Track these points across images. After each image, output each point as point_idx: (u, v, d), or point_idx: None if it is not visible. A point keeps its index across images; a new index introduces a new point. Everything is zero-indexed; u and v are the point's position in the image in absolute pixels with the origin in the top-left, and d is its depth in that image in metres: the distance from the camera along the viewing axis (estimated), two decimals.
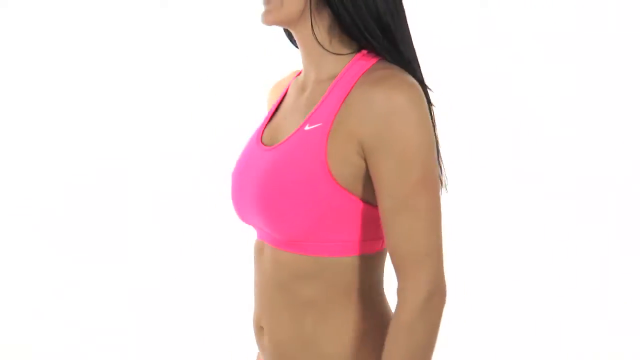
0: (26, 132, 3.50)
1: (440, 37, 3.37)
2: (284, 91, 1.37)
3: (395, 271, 1.16)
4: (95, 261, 3.45)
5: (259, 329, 1.32)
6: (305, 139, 1.17)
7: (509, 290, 3.36)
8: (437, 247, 1.14)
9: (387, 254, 1.24)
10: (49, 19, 3.45)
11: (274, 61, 3.28)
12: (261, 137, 1.31)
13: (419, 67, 1.24)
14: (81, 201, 3.50)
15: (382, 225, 1.17)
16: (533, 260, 3.41)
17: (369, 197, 1.18)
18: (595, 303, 3.32)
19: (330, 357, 1.23)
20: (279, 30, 1.33)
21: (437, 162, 1.24)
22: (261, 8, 1.23)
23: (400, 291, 1.15)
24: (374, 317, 1.24)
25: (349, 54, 1.21)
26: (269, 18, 1.20)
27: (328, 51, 1.22)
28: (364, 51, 1.21)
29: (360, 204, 1.18)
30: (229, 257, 3.30)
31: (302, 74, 1.30)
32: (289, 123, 1.26)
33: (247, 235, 1.45)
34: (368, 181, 1.17)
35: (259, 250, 1.31)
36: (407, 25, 1.23)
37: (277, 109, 1.35)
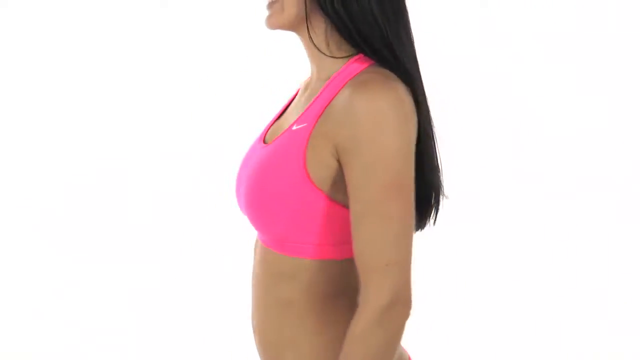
0: (26, 132, 3.50)
1: (440, 37, 3.37)
2: (297, 90, 1.39)
3: (359, 277, 1.14)
4: (96, 261, 3.45)
5: (253, 328, 1.35)
6: (290, 139, 1.19)
7: (509, 290, 3.36)
8: (403, 256, 1.12)
9: None
10: (49, 19, 3.45)
11: (274, 61, 3.29)
12: (265, 135, 1.33)
13: (418, 71, 1.23)
14: (81, 201, 3.50)
15: None
16: (533, 261, 3.41)
17: (345, 200, 1.18)
18: (595, 303, 3.32)
19: (309, 359, 1.24)
20: (278, 31, 1.34)
21: (436, 167, 1.24)
22: (261, 8, 1.26)
23: (360, 297, 1.13)
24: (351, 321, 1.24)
25: (346, 57, 1.22)
26: (272, 22, 1.23)
27: (324, 54, 1.23)
28: (361, 54, 1.21)
29: (337, 207, 1.18)
30: (230, 255, 3.30)
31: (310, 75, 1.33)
32: (287, 122, 1.28)
33: (248, 234, 1.45)
34: (343, 184, 1.16)
35: (255, 248, 1.34)
36: (407, 29, 1.22)
37: (287, 108, 1.38)
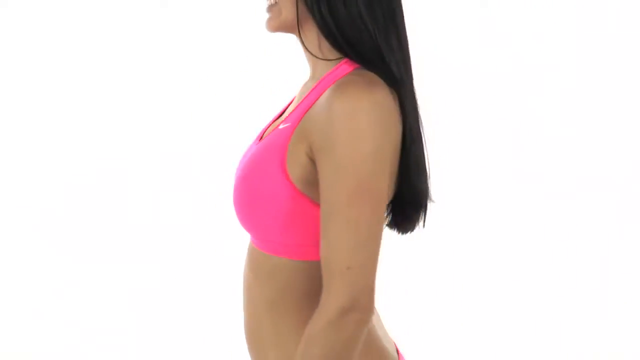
0: (26, 132, 3.50)
1: (440, 37, 3.37)
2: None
3: (323, 277, 1.14)
4: (95, 261, 3.45)
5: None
6: (275, 138, 1.20)
7: (509, 291, 3.36)
8: (366, 261, 1.10)
9: None
10: (49, 19, 3.45)
11: (274, 61, 3.29)
12: (262, 135, 1.35)
13: (409, 75, 1.23)
14: (81, 201, 3.50)
15: None
16: (533, 261, 3.41)
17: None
18: (595, 303, 3.32)
19: (288, 359, 1.25)
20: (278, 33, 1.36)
21: (423, 172, 1.23)
22: (262, 9, 1.29)
23: (321, 298, 1.13)
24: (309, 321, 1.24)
25: (337, 59, 1.23)
26: (271, 25, 1.26)
27: (316, 56, 1.25)
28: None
29: (314, 208, 1.18)
30: (229, 255, 3.29)
31: None
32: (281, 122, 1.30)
33: (246, 234, 1.45)
34: (318, 185, 1.16)
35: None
36: (398, 34, 1.22)
37: (287, 108, 1.40)
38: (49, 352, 3.18)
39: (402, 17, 1.24)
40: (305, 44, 1.25)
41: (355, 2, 1.17)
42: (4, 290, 3.40)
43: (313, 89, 1.22)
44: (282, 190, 1.17)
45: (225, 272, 3.29)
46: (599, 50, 3.41)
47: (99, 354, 3.17)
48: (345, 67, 1.20)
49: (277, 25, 1.25)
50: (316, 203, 1.18)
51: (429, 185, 1.28)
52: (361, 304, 1.10)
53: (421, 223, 1.31)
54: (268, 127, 1.36)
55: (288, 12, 1.23)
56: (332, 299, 1.10)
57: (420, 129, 1.25)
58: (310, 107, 1.17)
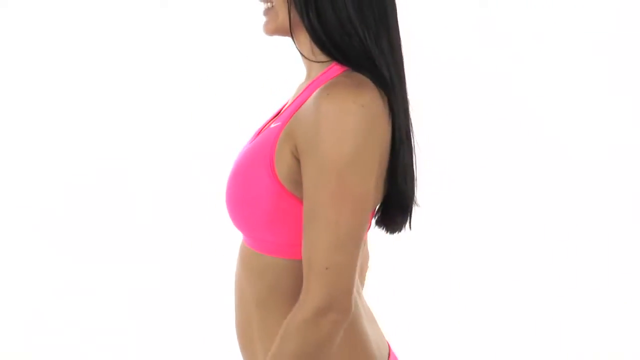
0: (26, 132, 3.50)
1: (440, 37, 3.37)
2: None
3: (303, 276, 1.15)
4: (95, 261, 3.45)
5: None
6: (266, 137, 1.21)
7: (509, 291, 3.36)
8: (343, 263, 1.11)
9: None
10: (49, 19, 3.45)
11: (274, 61, 3.29)
12: (258, 133, 1.36)
13: (400, 78, 1.23)
14: (81, 201, 3.50)
15: None
16: (533, 260, 3.41)
17: None
18: (595, 303, 3.32)
19: None
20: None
21: (410, 175, 1.23)
22: (261, 9, 1.29)
23: (300, 296, 1.14)
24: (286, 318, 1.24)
25: (328, 61, 1.24)
26: (268, 28, 1.27)
27: (309, 59, 1.26)
28: None
29: (301, 207, 1.18)
30: (228, 255, 3.29)
31: None
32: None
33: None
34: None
35: None
36: (390, 36, 1.22)
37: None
38: (49, 352, 3.18)
39: (395, 19, 1.24)
40: (299, 47, 1.27)
41: (345, 6, 1.17)
42: (4, 290, 3.40)
43: (305, 89, 1.23)
44: (270, 189, 1.18)
45: (219, 270, 3.29)
46: (599, 51, 3.41)
47: (99, 354, 3.17)
48: (337, 68, 1.21)
49: (274, 28, 1.26)
50: (302, 201, 1.18)
51: (416, 188, 1.28)
52: (338, 304, 1.11)
53: (407, 225, 1.32)
54: (264, 127, 1.37)
55: (285, 16, 1.24)
56: (309, 298, 1.11)
57: (410, 132, 1.25)
58: (299, 107, 1.18)
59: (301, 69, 1.34)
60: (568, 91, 3.43)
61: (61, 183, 3.50)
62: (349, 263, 1.12)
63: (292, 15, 1.22)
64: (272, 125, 1.22)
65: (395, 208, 1.28)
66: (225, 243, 3.32)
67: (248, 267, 1.28)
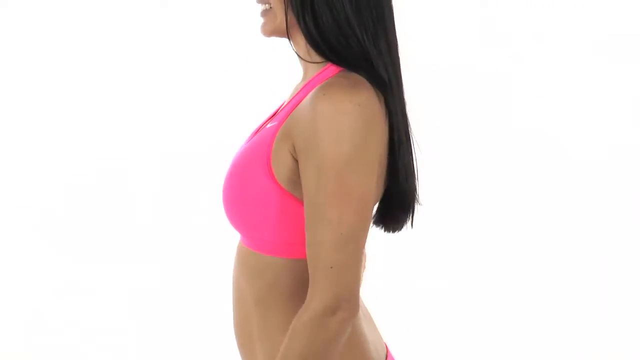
0: (26, 132, 3.50)
1: (440, 37, 3.37)
2: None
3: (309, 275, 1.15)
4: (95, 261, 3.45)
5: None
6: (262, 137, 1.22)
7: (509, 291, 3.35)
8: (349, 261, 1.12)
9: None
10: (49, 19, 3.45)
11: (274, 61, 3.29)
12: (255, 133, 1.36)
13: (397, 78, 1.23)
14: (80, 201, 3.50)
15: None
16: (533, 261, 3.41)
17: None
18: (595, 303, 3.31)
19: (272, 357, 1.25)
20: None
21: (410, 174, 1.24)
22: (259, 10, 1.30)
23: (307, 296, 1.14)
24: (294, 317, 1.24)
25: (324, 61, 1.24)
26: (266, 29, 1.28)
27: (305, 60, 1.26)
28: None
29: (299, 207, 1.19)
30: (227, 254, 3.29)
31: None
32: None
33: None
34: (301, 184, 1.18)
35: None
36: (387, 37, 1.22)
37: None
38: (49, 352, 3.18)
39: (392, 20, 1.24)
40: (295, 48, 1.27)
41: (343, 8, 1.18)
42: (4, 291, 3.40)
43: (301, 89, 1.24)
44: (267, 189, 1.19)
45: (216, 270, 3.29)
46: (599, 50, 3.40)
47: (99, 354, 3.17)
48: (332, 68, 1.21)
49: (272, 29, 1.26)
50: (301, 201, 1.19)
51: (417, 187, 1.29)
52: (345, 303, 1.11)
53: (409, 224, 1.32)
54: (261, 127, 1.37)
55: (282, 17, 1.24)
56: (316, 298, 1.11)
57: (409, 131, 1.25)
58: (296, 107, 1.19)
59: (299, 69, 1.35)
60: (568, 91, 3.43)
61: (60, 182, 3.50)
62: (353, 261, 1.12)
63: (288, 17, 1.23)
64: (269, 125, 1.23)
65: (397, 207, 1.28)
66: (222, 242, 3.33)
67: (246, 267, 1.28)
